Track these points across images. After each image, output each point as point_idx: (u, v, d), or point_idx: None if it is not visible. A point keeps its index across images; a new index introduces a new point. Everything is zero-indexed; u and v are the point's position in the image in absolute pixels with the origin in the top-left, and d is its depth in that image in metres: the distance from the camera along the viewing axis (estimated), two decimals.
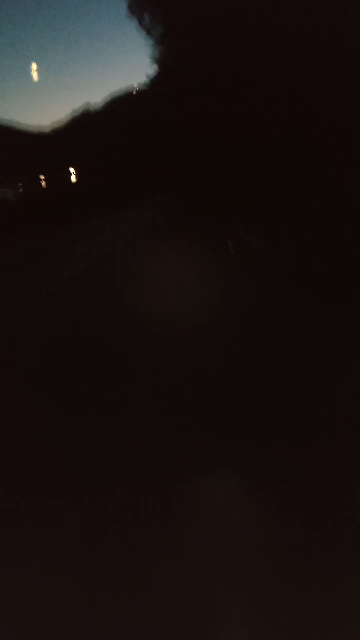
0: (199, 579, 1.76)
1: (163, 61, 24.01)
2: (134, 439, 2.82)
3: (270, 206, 12.05)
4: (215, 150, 18.06)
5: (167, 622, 1.61)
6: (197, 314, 5.30)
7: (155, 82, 27.93)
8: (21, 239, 19.18)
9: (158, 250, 11.16)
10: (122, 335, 4.93)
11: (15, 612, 1.69)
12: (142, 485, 2.35)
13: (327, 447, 2.51)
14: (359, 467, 2.32)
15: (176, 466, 2.49)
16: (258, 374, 3.53)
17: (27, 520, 2.19)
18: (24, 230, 20.59)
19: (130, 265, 9.71)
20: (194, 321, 5.00)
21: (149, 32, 21.21)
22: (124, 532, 2.04)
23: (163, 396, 3.34)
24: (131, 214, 23.81)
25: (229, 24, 12.56)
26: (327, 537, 1.91)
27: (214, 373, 3.66)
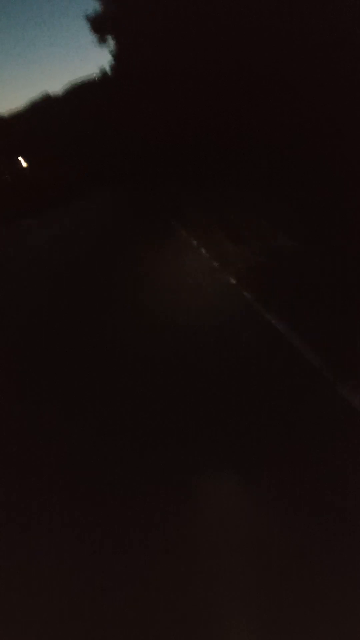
0: (198, 579, 1.77)
1: (120, 51, 23.59)
2: (131, 436, 2.81)
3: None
4: (176, 144, 17.96)
5: (168, 622, 1.62)
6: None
7: (113, 72, 27.39)
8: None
9: (114, 246, 11.09)
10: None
11: (15, 612, 1.70)
12: (141, 485, 2.35)
13: (327, 446, 2.52)
14: (357, 467, 2.34)
15: (175, 464, 2.49)
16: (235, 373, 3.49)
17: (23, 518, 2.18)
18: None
19: (88, 257, 9.66)
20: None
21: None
22: (123, 530, 2.05)
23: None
24: (86, 207, 23.32)
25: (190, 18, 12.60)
26: (327, 537, 1.93)
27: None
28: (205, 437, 2.74)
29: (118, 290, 6.68)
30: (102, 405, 3.31)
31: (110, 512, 2.17)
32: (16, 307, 6.57)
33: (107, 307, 5.95)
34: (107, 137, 30.62)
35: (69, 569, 1.87)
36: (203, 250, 9.26)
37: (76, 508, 2.22)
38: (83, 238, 12.50)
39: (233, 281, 6.28)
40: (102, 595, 1.72)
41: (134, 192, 23.41)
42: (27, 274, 8.89)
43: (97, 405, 3.32)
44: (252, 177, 12.90)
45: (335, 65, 8.53)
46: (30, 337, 5.16)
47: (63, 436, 2.92)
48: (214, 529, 2.02)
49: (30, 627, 1.62)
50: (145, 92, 18.62)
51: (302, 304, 4.74)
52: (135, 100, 20.22)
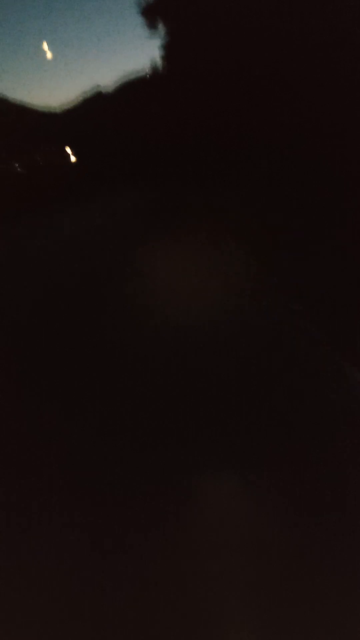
0: (198, 579, 1.78)
1: (172, 48, 23.41)
2: (131, 436, 2.82)
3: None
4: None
5: (168, 622, 1.62)
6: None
7: (163, 69, 27.37)
8: (17, 216, 18.92)
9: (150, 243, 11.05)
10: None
11: (15, 612, 1.70)
12: (141, 485, 2.36)
13: (327, 446, 2.53)
14: (357, 467, 2.35)
15: (175, 464, 2.50)
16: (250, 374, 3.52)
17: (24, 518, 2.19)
18: (20, 208, 20.29)
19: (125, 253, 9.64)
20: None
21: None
22: (123, 530, 2.06)
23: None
24: (86, 207, 23.23)
25: (232, 18, 12.57)
26: (327, 537, 1.94)
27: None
28: (205, 437, 2.75)
29: (118, 291, 6.68)
30: (102, 406, 3.31)
31: (110, 512, 2.18)
32: (16, 307, 6.58)
33: (107, 307, 5.95)
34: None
35: (69, 569, 1.87)
36: (204, 250, 9.27)
37: (76, 508, 2.23)
38: (83, 238, 12.50)
39: (233, 280, 6.28)
40: (102, 595, 1.72)
41: (135, 192, 23.26)
42: (26, 274, 8.89)
43: (97, 405, 3.33)
44: (252, 177, 12.86)
45: (335, 65, 8.54)
46: (30, 337, 5.16)
47: (63, 436, 2.92)
48: (214, 529, 2.02)
49: (30, 627, 1.62)
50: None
51: (303, 304, 4.75)
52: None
